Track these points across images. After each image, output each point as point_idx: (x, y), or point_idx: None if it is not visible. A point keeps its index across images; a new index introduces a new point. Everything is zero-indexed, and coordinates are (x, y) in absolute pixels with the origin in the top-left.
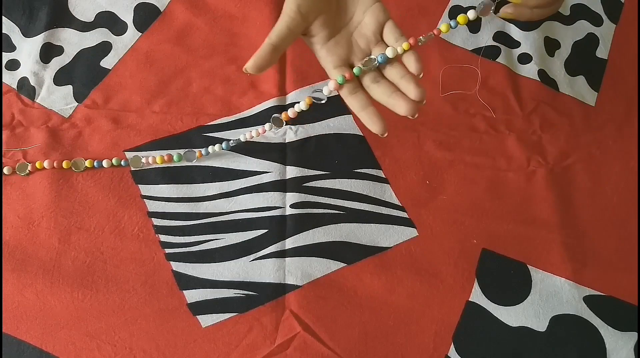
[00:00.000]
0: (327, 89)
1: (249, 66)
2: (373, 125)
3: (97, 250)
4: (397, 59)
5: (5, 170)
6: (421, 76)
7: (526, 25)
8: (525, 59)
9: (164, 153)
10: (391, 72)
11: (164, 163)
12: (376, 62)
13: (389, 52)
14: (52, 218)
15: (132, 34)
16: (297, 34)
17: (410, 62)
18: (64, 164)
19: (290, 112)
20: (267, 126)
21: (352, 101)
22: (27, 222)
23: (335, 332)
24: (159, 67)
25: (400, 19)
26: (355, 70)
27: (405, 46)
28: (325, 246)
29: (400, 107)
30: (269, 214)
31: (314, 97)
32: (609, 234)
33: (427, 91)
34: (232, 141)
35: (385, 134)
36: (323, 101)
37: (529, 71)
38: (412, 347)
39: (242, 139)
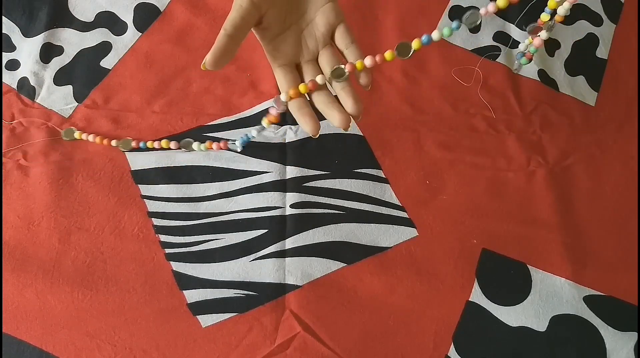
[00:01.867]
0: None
1: (208, 61)
2: (305, 125)
3: (97, 250)
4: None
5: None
6: (369, 88)
7: (526, 25)
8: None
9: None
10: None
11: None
12: (345, 73)
13: (347, 68)
14: (52, 218)
15: (132, 34)
16: (250, 24)
17: (361, 75)
18: (113, 143)
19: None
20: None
21: (291, 104)
22: (27, 222)
23: (335, 332)
24: (159, 67)
25: (400, 19)
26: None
27: (358, 64)
28: (325, 246)
29: (334, 119)
30: (269, 214)
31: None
32: (609, 234)
33: (427, 91)
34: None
35: (317, 136)
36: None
37: (529, 71)
38: (412, 347)
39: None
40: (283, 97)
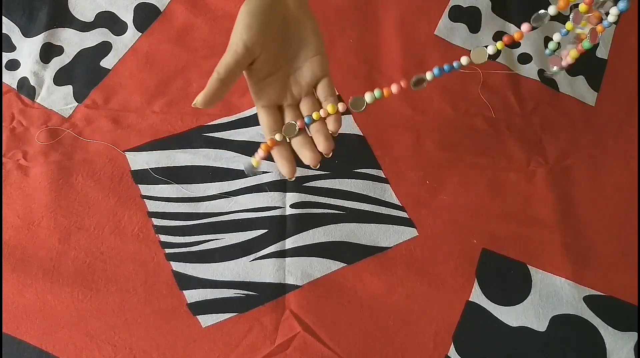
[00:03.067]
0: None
1: (199, 102)
2: (282, 168)
3: (97, 250)
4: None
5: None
6: (336, 135)
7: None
8: (525, 59)
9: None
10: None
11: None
12: (295, 129)
13: (314, 115)
14: (52, 218)
15: (132, 34)
16: (243, 67)
17: (330, 121)
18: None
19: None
20: None
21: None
22: (27, 222)
23: (335, 332)
24: (159, 67)
25: (401, 19)
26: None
27: (330, 108)
28: (325, 246)
29: (305, 158)
30: (269, 214)
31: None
32: (609, 234)
33: (426, 91)
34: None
35: (292, 179)
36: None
37: (529, 71)
38: (412, 347)
39: None
40: (261, 153)
